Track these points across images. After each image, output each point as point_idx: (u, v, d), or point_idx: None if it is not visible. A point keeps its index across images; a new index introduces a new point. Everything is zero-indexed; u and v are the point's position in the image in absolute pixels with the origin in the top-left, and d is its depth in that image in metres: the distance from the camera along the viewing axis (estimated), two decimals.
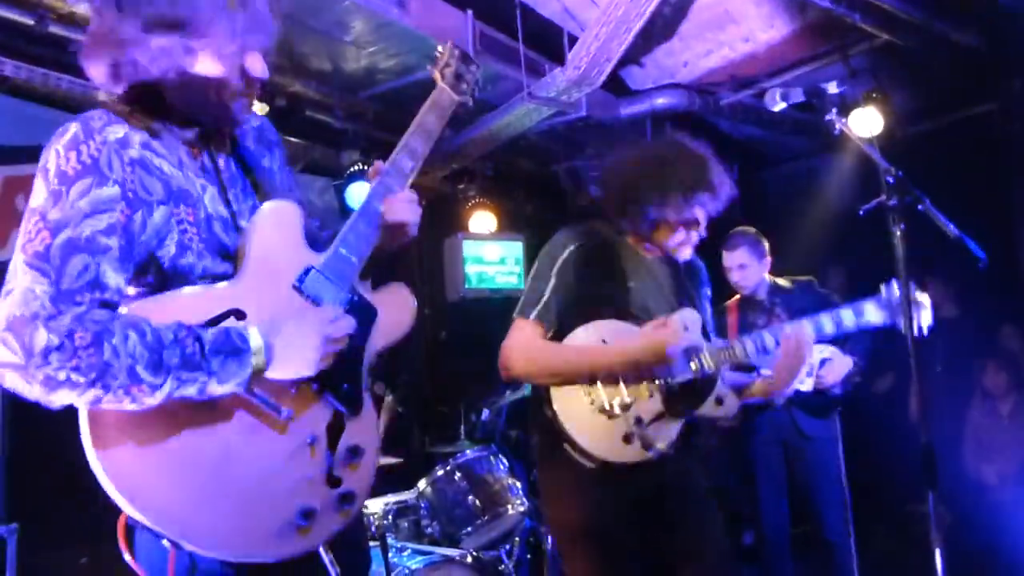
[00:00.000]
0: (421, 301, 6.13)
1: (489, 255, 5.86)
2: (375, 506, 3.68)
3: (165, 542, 1.35)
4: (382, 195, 1.68)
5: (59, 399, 1.28)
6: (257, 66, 1.51)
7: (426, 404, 5.89)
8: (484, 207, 5.92)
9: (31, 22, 3.57)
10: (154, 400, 1.31)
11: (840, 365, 3.67)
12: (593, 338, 2.27)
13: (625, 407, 2.19)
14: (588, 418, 2.20)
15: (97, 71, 1.47)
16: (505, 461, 3.89)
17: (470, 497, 3.64)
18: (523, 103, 4.56)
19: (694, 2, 4.32)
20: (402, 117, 5.75)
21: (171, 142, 1.50)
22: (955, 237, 1.96)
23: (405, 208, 1.68)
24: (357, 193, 4.89)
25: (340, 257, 1.58)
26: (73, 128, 1.38)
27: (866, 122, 4.40)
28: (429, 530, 3.65)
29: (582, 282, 2.31)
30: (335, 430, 1.53)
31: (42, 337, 1.24)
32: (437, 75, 1.89)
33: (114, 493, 1.32)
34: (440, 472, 3.72)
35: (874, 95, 4.48)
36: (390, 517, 3.67)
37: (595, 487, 2.21)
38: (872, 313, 2.31)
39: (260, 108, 4.17)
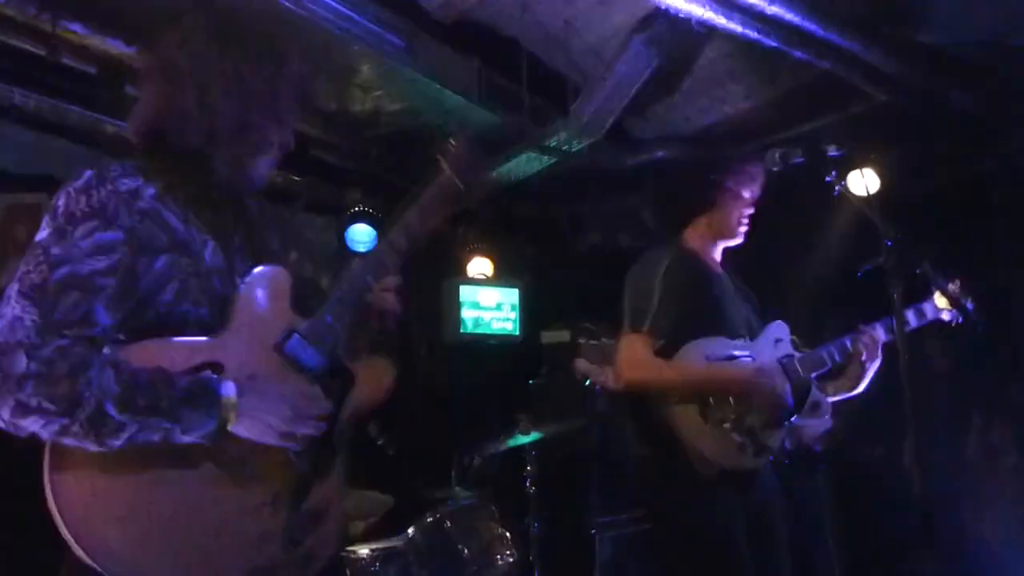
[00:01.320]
0: (416, 344, 6.16)
1: (485, 300, 5.87)
2: (362, 551, 3.62)
3: None
4: (373, 269, 1.72)
5: (26, 426, 1.31)
6: (289, 140, 1.64)
7: (418, 448, 5.83)
8: (482, 252, 5.94)
9: (43, 53, 3.62)
10: (117, 440, 1.32)
11: (816, 424, 3.68)
12: (696, 355, 2.41)
13: (737, 419, 2.32)
14: (704, 429, 2.34)
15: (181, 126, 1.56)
16: (496, 509, 3.84)
17: (460, 545, 3.59)
18: (527, 151, 4.62)
19: (696, 60, 4.40)
20: (405, 159, 5.86)
21: (185, 195, 1.55)
22: (954, 299, 1.97)
23: (392, 298, 1.74)
24: (358, 233, 4.92)
25: (324, 323, 1.61)
26: (88, 174, 1.48)
27: (865, 181, 4.43)
28: None
29: (684, 291, 2.46)
30: (298, 491, 1.51)
31: (21, 364, 1.28)
32: (445, 165, 1.90)
33: (63, 528, 1.32)
34: (430, 518, 3.67)
35: (873, 155, 4.53)
36: (377, 564, 3.60)
37: (710, 493, 2.34)
38: (941, 302, 2.51)
39: None
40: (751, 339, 2.53)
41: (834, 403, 2.82)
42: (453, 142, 1.93)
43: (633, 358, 2.44)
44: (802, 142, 2.31)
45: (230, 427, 1.42)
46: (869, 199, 1.97)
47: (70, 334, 1.33)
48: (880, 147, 4.57)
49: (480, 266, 5.93)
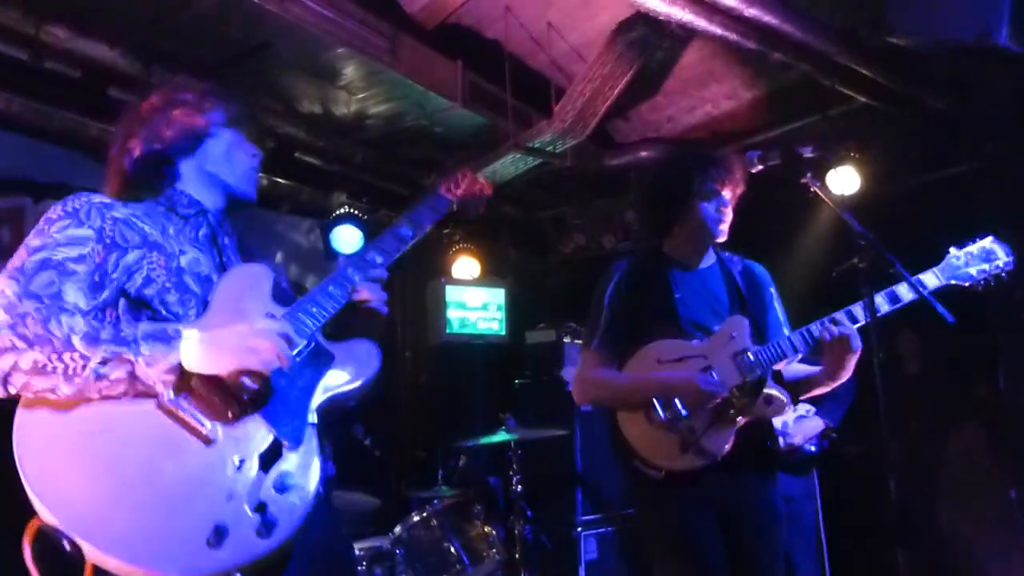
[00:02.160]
0: (402, 344, 6.19)
1: (471, 301, 5.90)
2: None
3: (67, 544, 1.36)
4: (358, 265, 1.80)
5: (2, 366, 1.43)
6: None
7: (404, 448, 5.85)
8: (468, 253, 5.97)
9: (25, 57, 3.61)
10: (85, 372, 1.43)
11: (810, 424, 3.73)
12: (648, 359, 2.47)
13: (677, 419, 2.35)
14: (648, 432, 2.39)
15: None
16: (482, 508, 3.87)
17: (446, 544, 3.62)
18: (510, 152, 4.65)
19: (678, 61, 4.45)
20: (390, 162, 5.86)
21: (162, 215, 1.76)
22: (924, 298, 2.01)
23: (376, 294, 1.82)
24: (343, 235, 4.93)
25: (304, 310, 1.69)
26: (69, 197, 1.67)
27: (843, 182, 4.51)
28: None
29: (632, 304, 2.53)
30: (270, 456, 1.54)
31: (1, 317, 1.46)
32: (444, 189, 2.07)
33: (26, 484, 1.38)
34: (416, 518, 3.69)
35: (852, 155, 4.60)
36: (364, 563, 3.62)
37: (666, 491, 2.39)
38: (931, 280, 2.44)
39: None
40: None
41: (814, 399, 2.83)
42: (461, 173, 2.10)
43: (581, 375, 2.59)
44: (780, 144, 2.33)
45: (189, 363, 1.49)
46: (843, 200, 1.99)
47: (44, 304, 1.50)
48: (858, 148, 4.64)
49: (466, 267, 5.96)
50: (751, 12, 3.55)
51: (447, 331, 5.71)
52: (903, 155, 4.87)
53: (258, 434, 1.55)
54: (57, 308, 1.49)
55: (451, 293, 5.84)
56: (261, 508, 1.49)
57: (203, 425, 1.50)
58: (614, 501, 4.86)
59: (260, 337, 1.53)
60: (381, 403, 5.83)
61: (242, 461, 1.51)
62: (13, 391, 1.45)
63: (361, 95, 4.40)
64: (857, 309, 2.37)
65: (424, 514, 3.69)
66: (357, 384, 1.70)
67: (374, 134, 4.83)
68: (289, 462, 1.56)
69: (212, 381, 1.52)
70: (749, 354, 2.42)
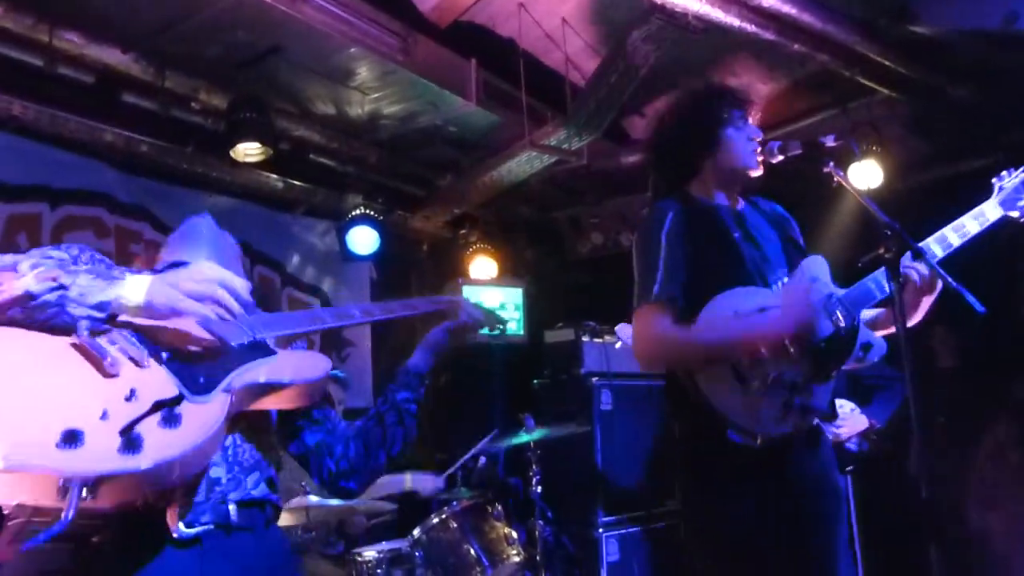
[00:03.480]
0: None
1: (489, 301, 5.85)
2: (368, 554, 3.62)
3: None
4: (336, 314, 1.82)
5: None
6: None
7: (423, 449, 5.83)
8: (485, 253, 5.94)
9: (40, 63, 3.63)
10: (19, 283, 1.36)
11: (856, 421, 3.64)
12: (722, 313, 2.14)
13: (776, 379, 2.07)
14: (741, 396, 2.07)
15: None
16: (502, 509, 3.84)
17: (465, 546, 3.58)
18: (525, 150, 4.61)
19: (694, 55, 4.39)
20: (404, 162, 5.85)
21: None
22: (953, 288, 1.95)
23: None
24: (359, 237, 4.92)
25: (261, 320, 1.67)
26: None
27: (865, 174, 4.43)
28: None
29: (696, 244, 2.21)
30: (165, 404, 1.42)
31: None
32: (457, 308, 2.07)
33: None
34: (435, 520, 3.66)
35: (874, 148, 4.53)
36: (384, 566, 3.60)
37: (758, 479, 2.10)
38: (991, 210, 2.28)
39: (264, 152, 4.22)
40: (791, 272, 2.26)
41: (866, 396, 2.63)
42: (475, 310, 2.11)
43: (647, 334, 2.19)
44: (802, 134, 2.26)
45: (136, 299, 1.45)
46: (867, 190, 1.92)
47: None
48: (879, 141, 4.56)
49: (483, 267, 5.93)
50: (769, 2, 3.49)
51: None
52: (925, 147, 4.79)
53: (163, 382, 1.46)
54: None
55: (469, 294, 5.81)
56: (131, 433, 1.35)
57: (103, 357, 1.41)
58: (636, 501, 4.81)
59: (202, 279, 1.50)
60: None
61: (133, 392, 1.41)
62: None
63: (374, 95, 4.38)
64: (933, 243, 2.19)
65: (443, 516, 3.66)
66: (287, 380, 1.63)
67: (388, 134, 4.81)
68: (185, 407, 1.45)
69: (140, 329, 1.48)
70: (838, 299, 2.15)
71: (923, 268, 2.14)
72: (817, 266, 2.18)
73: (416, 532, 3.65)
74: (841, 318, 2.14)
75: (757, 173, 2.32)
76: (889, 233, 1.86)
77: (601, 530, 4.60)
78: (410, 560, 3.60)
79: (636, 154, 5.14)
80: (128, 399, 1.40)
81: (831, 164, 2.12)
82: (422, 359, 2.01)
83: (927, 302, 2.18)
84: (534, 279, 6.15)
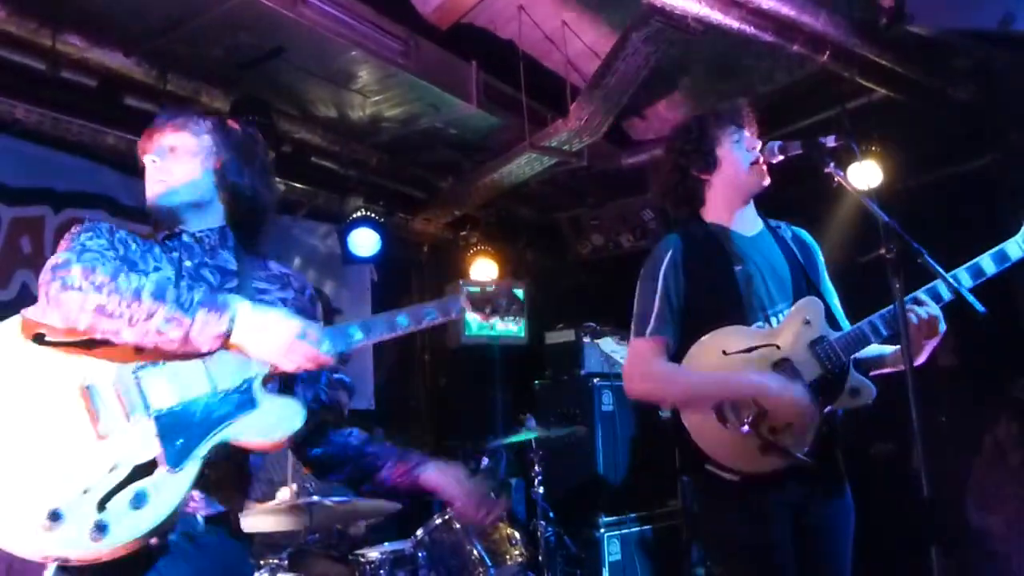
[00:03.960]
0: (421, 347, 6.18)
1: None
2: (371, 555, 3.63)
3: None
4: (334, 336, 1.78)
5: (66, 301, 1.55)
6: None
7: (425, 451, 5.83)
8: (485, 254, 5.95)
9: (43, 67, 3.64)
10: (148, 324, 1.57)
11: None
12: (712, 350, 2.18)
13: (756, 419, 2.09)
14: (720, 434, 2.12)
15: None
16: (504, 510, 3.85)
17: (468, 547, 3.59)
18: (526, 152, 4.63)
19: (694, 56, 4.41)
20: (405, 165, 5.86)
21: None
22: (953, 289, 1.97)
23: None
24: (360, 239, 4.93)
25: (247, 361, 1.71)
26: None
27: (865, 174, 4.45)
28: None
29: (692, 281, 2.25)
30: (142, 470, 1.56)
31: (63, 255, 1.62)
32: (462, 300, 2.02)
33: None
34: (438, 520, 3.67)
35: (873, 148, 4.54)
36: (387, 566, 3.60)
37: (743, 498, 2.13)
38: (1015, 250, 2.25)
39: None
40: (788, 309, 2.27)
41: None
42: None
43: (638, 369, 2.27)
44: (802, 135, 2.25)
45: (232, 338, 1.62)
46: (867, 191, 1.92)
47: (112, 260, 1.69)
48: (880, 141, 4.58)
49: (484, 268, 5.94)
50: (768, 4, 3.51)
51: (466, 333, 5.69)
52: (924, 147, 4.80)
53: (146, 444, 1.58)
54: (122, 267, 1.62)
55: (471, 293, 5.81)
56: (104, 511, 1.51)
57: (96, 420, 1.57)
58: (637, 501, 4.83)
59: (310, 339, 1.68)
60: (402, 407, 5.83)
61: (115, 465, 1.55)
62: (81, 328, 1.57)
63: (376, 98, 4.39)
64: (941, 287, 2.16)
65: (446, 517, 3.67)
66: (256, 444, 1.69)
67: (389, 137, 4.83)
68: (156, 481, 1.56)
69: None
70: (831, 343, 2.16)
71: (922, 311, 2.14)
72: (811, 307, 2.20)
73: (419, 533, 3.66)
74: (830, 360, 2.16)
75: (763, 183, 2.33)
76: (890, 233, 1.87)
77: (603, 530, 4.61)
78: (413, 561, 3.61)
79: (637, 155, 5.16)
80: (111, 471, 1.55)
81: (831, 164, 2.13)
82: (409, 483, 2.00)
83: (929, 345, 2.19)
84: (535, 280, 6.15)
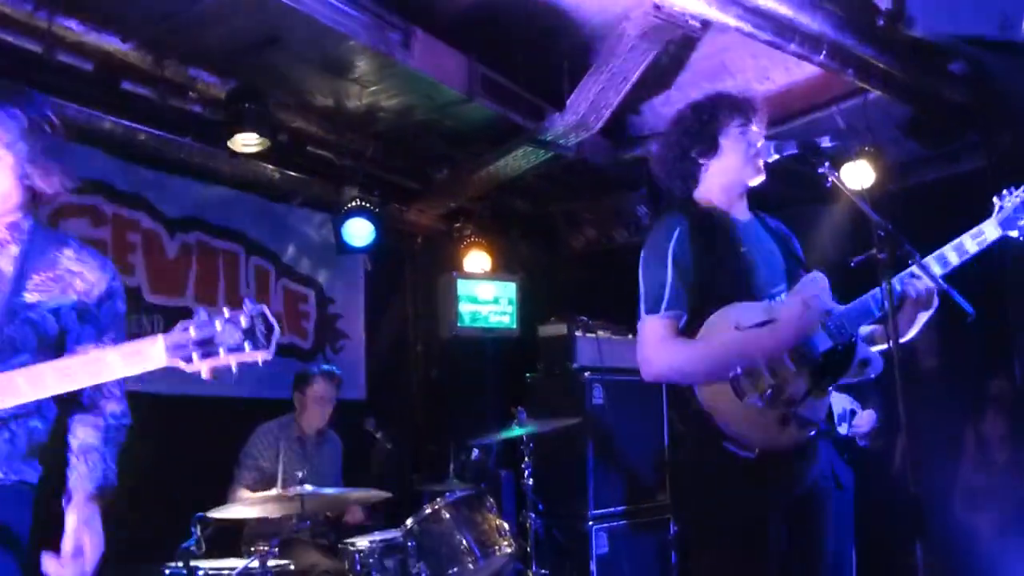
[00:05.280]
0: (413, 338, 6.18)
1: (483, 294, 5.89)
2: (361, 543, 3.65)
3: None
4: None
5: None
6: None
7: (416, 442, 5.86)
8: (479, 247, 5.96)
9: (39, 50, 3.62)
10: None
11: (868, 416, 3.69)
12: (723, 326, 2.20)
13: (775, 393, 2.11)
14: (739, 409, 2.13)
15: None
16: (494, 501, 3.87)
17: (458, 537, 3.61)
18: (521, 145, 4.63)
19: (691, 54, 4.42)
20: (401, 155, 5.85)
21: None
22: (943, 290, 1.99)
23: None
24: (355, 229, 4.93)
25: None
26: None
27: (858, 175, 4.47)
28: (415, 570, 3.61)
29: (700, 259, 2.26)
30: None
31: None
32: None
33: None
34: (428, 510, 3.69)
35: (867, 148, 4.56)
36: (376, 555, 3.63)
37: (752, 484, 2.15)
38: (991, 230, 2.27)
39: (262, 143, 4.23)
40: (791, 288, 2.32)
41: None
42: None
43: (651, 346, 2.25)
44: (796, 134, 2.27)
45: None
46: (861, 190, 1.95)
47: None
48: (872, 142, 4.60)
49: (477, 260, 5.95)
50: (766, 3, 3.52)
51: (458, 325, 5.70)
52: (918, 149, 4.82)
53: None
54: None
55: (462, 287, 5.83)
56: None
57: None
58: (626, 495, 4.85)
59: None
60: (393, 397, 5.85)
61: None
62: None
63: (373, 88, 4.38)
64: (931, 261, 2.20)
65: (436, 507, 3.69)
66: None
67: (385, 127, 4.82)
68: None
69: None
70: (838, 316, 2.19)
71: (920, 284, 2.17)
72: (816, 282, 2.23)
73: (409, 522, 3.68)
74: (838, 333, 2.18)
75: (758, 179, 2.36)
76: (882, 234, 1.89)
77: (591, 523, 4.64)
78: (403, 550, 3.63)
79: (632, 151, 5.17)
80: None
81: (826, 164, 2.15)
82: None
83: (923, 317, 2.22)
84: (528, 273, 6.17)
